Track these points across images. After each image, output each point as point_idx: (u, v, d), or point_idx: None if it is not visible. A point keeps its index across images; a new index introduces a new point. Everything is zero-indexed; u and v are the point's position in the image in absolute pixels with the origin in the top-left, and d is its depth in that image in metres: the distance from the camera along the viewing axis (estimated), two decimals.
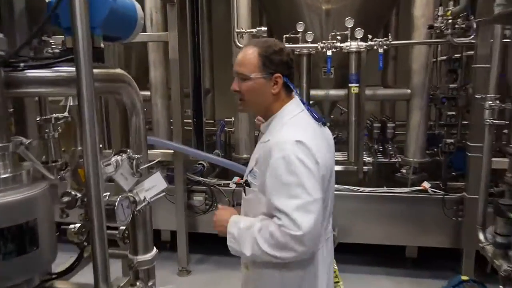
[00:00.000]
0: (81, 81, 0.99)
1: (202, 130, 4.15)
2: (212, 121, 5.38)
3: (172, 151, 3.62)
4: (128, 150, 1.33)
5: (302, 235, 1.32)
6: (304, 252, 1.37)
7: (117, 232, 1.45)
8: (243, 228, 1.45)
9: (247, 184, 1.55)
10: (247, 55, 1.50)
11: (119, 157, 1.28)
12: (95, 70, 1.09)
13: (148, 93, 4.04)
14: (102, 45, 1.10)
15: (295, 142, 1.39)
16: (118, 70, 1.22)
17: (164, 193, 1.40)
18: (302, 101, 1.60)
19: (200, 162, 4.01)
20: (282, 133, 1.45)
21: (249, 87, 1.49)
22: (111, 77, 1.18)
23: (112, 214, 1.23)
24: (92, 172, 1.04)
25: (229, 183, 3.75)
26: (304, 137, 1.41)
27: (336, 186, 3.53)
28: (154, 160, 1.43)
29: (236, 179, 3.72)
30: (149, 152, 3.69)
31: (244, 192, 1.58)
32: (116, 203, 1.25)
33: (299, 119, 1.51)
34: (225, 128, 4.76)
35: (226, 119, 4.98)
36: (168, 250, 4.12)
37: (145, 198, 1.34)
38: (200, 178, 3.86)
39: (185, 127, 3.76)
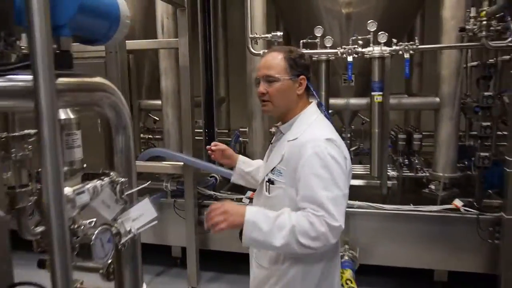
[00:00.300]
0: (39, 91, 0.80)
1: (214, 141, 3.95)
2: (227, 130, 5.19)
3: (182, 163, 3.44)
4: (112, 173, 1.13)
5: (339, 226, 1.40)
6: (332, 243, 1.43)
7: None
8: (273, 218, 1.43)
9: (271, 182, 1.59)
10: (273, 59, 1.58)
11: (98, 182, 1.08)
12: (63, 79, 0.89)
13: (159, 102, 3.89)
14: (71, 48, 0.90)
15: (326, 140, 1.49)
16: (96, 79, 1.02)
17: (155, 222, 1.19)
18: (319, 103, 1.71)
19: (213, 175, 3.81)
20: (312, 132, 1.53)
21: (277, 89, 1.56)
22: (86, 86, 0.98)
23: (87, 250, 1.02)
24: (53, 202, 0.84)
25: (242, 198, 3.52)
26: (332, 135, 1.53)
27: (358, 203, 3.33)
28: (144, 184, 1.22)
29: (249, 193, 3.49)
30: (159, 164, 3.58)
31: (268, 190, 1.60)
32: (93, 237, 1.04)
33: (322, 120, 1.62)
34: (240, 139, 4.56)
35: (241, 129, 4.79)
36: (178, 266, 3.96)
37: (130, 229, 1.13)
38: (212, 192, 3.65)
39: (196, 137, 3.58)
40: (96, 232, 1.05)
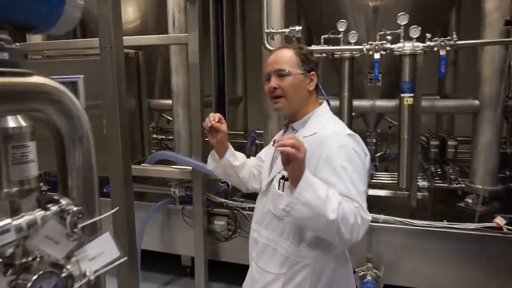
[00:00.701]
0: None
1: None
2: (243, 132, 4.93)
3: (191, 168, 3.20)
4: (62, 200, 0.88)
5: (369, 220, 1.36)
6: (358, 240, 1.34)
7: None
8: (326, 187, 1.32)
9: (286, 179, 1.49)
10: (284, 54, 1.56)
11: (39, 213, 0.83)
12: None
13: (170, 102, 3.67)
14: None
15: (348, 135, 1.48)
16: (32, 78, 0.76)
17: (118, 262, 0.93)
18: (328, 102, 1.66)
19: (224, 180, 3.55)
20: (332, 127, 1.52)
21: (290, 83, 1.53)
22: (13, 88, 0.73)
23: None
24: None
25: (254, 208, 3.24)
26: (352, 132, 1.52)
27: (383, 217, 2.98)
28: (109, 212, 0.96)
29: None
30: (166, 168, 3.35)
31: (282, 188, 1.52)
32: (29, 285, 0.79)
33: (336, 119, 1.60)
34: (257, 141, 4.28)
35: (257, 131, 4.52)
36: (188, 276, 3.76)
37: (85, 272, 0.88)
38: (223, 200, 3.39)
39: (207, 139, 3.32)
40: (33, 279, 0.80)
